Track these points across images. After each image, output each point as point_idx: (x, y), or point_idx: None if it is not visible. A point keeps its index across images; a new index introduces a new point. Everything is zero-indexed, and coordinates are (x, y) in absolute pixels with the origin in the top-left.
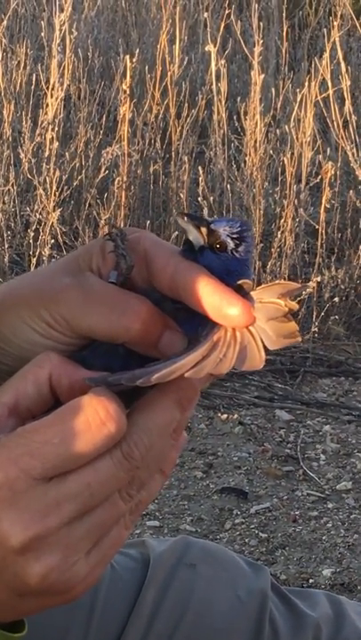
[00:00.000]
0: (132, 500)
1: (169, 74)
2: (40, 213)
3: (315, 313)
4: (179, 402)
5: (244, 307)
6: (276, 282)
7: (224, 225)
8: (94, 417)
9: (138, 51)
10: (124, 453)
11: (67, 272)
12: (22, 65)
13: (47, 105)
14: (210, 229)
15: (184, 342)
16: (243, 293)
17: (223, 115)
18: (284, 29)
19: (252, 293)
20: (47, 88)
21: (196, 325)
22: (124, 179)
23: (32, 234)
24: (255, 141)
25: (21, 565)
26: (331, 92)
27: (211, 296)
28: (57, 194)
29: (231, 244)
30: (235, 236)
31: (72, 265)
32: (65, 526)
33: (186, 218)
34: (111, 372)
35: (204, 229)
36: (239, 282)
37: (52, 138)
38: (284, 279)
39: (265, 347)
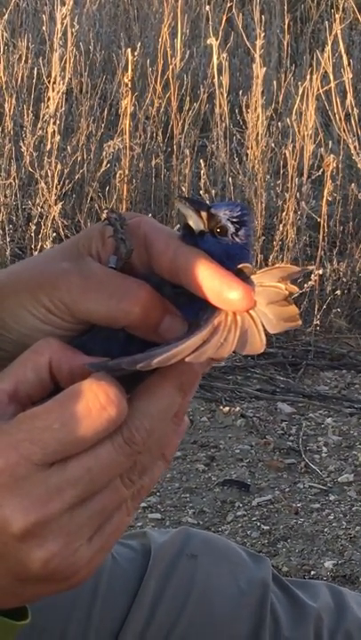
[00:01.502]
0: (133, 486)
1: (171, 67)
2: (42, 207)
3: (317, 306)
4: (180, 386)
5: (244, 290)
6: (276, 265)
7: (224, 209)
8: (94, 402)
9: (139, 44)
10: (125, 438)
11: (66, 257)
12: (24, 59)
13: (49, 98)
14: (210, 214)
15: (184, 327)
16: (243, 277)
17: (225, 108)
18: (286, 22)
19: (252, 277)
20: (49, 82)
21: (197, 310)
22: (126, 172)
23: (34, 227)
24: (257, 134)
25: (23, 552)
26: (333, 85)
27: (211, 280)
28: (58, 187)
29: (232, 228)
30: (235, 220)
31: (71, 250)
32: (66, 512)
33: (186, 202)
34: (111, 357)
35: (204, 214)
36: (239, 266)
37: (54, 131)
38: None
39: (266, 331)
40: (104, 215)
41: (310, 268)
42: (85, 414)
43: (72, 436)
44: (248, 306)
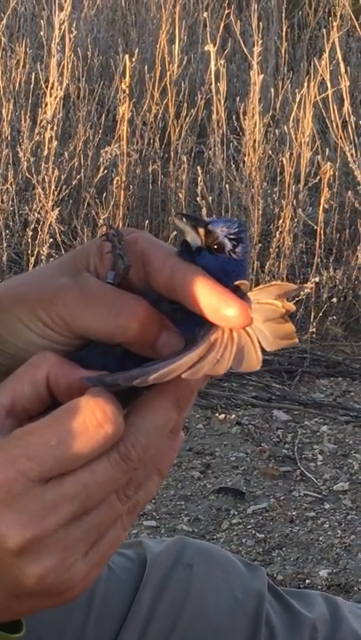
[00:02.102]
0: (129, 501)
1: (168, 73)
2: (39, 212)
3: (313, 313)
4: (176, 402)
5: (241, 307)
6: (273, 283)
7: (222, 226)
8: (91, 418)
9: (137, 50)
10: (122, 455)
11: (64, 272)
12: (21, 64)
13: (46, 104)
14: (207, 230)
15: (181, 343)
16: (240, 294)
17: (222, 114)
18: (284, 29)
19: (249, 294)
20: (46, 87)
21: (194, 326)
22: (123, 178)
23: (30, 233)
24: (254, 141)
25: (19, 567)
26: (330, 92)
27: (208, 297)
28: (56, 193)
29: (229, 245)
30: (232, 236)
31: (69, 265)
32: (62, 528)
33: (184, 219)
34: (108, 373)
35: (201, 230)
36: (236, 282)
37: (51, 137)
38: (283, 279)
39: (262, 348)
40: (102, 230)
41: (306, 285)
42: (82, 431)
43: (69, 453)
44: (245, 323)
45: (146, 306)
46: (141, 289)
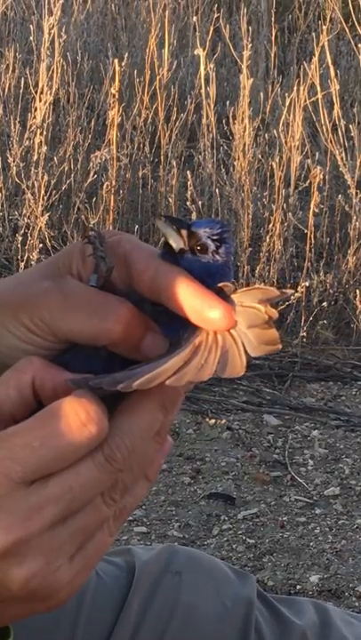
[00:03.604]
0: (115, 505)
1: (158, 77)
2: (28, 217)
3: (303, 317)
4: (162, 404)
5: (225, 309)
6: (256, 286)
7: (204, 227)
8: (75, 419)
9: (127, 54)
10: (106, 456)
11: (46, 276)
12: (11, 68)
13: (36, 109)
14: (190, 232)
15: (166, 344)
16: (223, 296)
17: (212, 119)
18: (274, 33)
19: (232, 296)
20: (36, 92)
21: (178, 328)
22: (113, 183)
23: (20, 238)
24: (244, 145)
25: (3, 570)
26: (320, 96)
27: (191, 299)
28: (45, 198)
29: (212, 246)
30: (215, 237)
31: (51, 269)
32: (47, 530)
33: (166, 221)
34: (93, 375)
35: (184, 232)
36: (220, 284)
37: (41, 142)
38: (273, 284)
39: (246, 352)
40: (84, 233)
41: (289, 291)
42: (66, 432)
43: (52, 454)
44: (228, 325)
45: (129, 307)
46: (125, 291)
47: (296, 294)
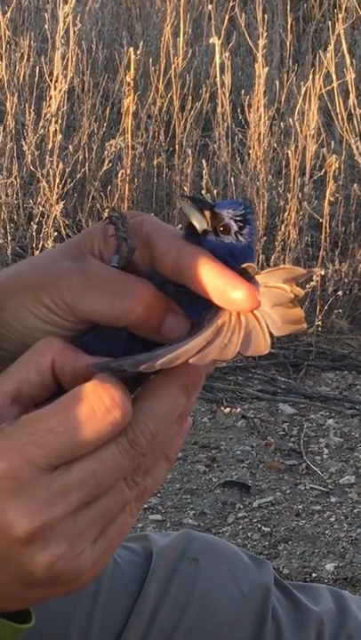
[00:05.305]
0: (137, 487)
1: (173, 66)
2: (43, 206)
3: (318, 307)
4: (184, 387)
5: (248, 290)
6: (281, 266)
7: (227, 208)
8: (99, 404)
9: (142, 43)
10: (130, 441)
11: (68, 256)
12: (26, 57)
13: (51, 97)
14: (213, 212)
15: (187, 326)
16: (247, 277)
17: (227, 107)
18: (289, 22)
19: (256, 277)
20: (51, 80)
21: (200, 309)
22: (128, 171)
23: (35, 226)
24: (259, 134)
25: (27, 555)
26: (335, 84)
27: (215, 280)
28: (60, 186)
29: (235, 227)
30: (238, 218)
31: (73, 249)
32: (71, 515)
33: (189, 201)
34: (114, 357)
35: (207, 212)
36: (243, 265)
37: (56, 130)
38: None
39: (270, 332)
40: (106, 214)
41: (315, 270)
42: (90, 417)
43: (76, 439)
44: (252, 306)
45: (151, 288)
46: (146, 272)
47: (315, 276)
